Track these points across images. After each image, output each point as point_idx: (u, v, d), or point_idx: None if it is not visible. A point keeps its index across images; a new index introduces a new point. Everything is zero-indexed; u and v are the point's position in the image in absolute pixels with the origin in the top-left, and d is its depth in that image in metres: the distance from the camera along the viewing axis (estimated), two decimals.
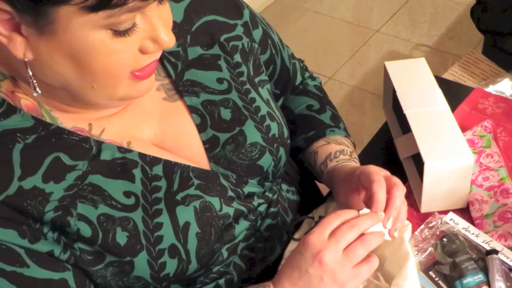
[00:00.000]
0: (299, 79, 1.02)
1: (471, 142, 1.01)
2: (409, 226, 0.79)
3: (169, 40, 0.65)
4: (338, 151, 0.91)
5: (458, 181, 0.90)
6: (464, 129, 0.99)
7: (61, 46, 0.60)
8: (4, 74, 0.68)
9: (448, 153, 0.89)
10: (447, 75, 1.75)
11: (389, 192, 0.76)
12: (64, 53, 0.61)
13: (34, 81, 0.65)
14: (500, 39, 1.85)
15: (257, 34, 0.88)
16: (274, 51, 0.92)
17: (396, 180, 0.77)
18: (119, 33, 0.61)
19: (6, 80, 0.68)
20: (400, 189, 0.76)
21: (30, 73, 0.64)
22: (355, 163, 0.90)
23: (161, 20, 0.64)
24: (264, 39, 0.89)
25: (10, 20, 0.59)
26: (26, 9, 0.57)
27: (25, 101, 0.68)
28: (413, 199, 0.95)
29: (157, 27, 0.64)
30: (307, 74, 1.04)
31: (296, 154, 0.97)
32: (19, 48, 0.61)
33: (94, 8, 0.57)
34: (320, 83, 1.06)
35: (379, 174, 0.76)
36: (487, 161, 0.98)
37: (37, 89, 0.65)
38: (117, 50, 0.62)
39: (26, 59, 0.62)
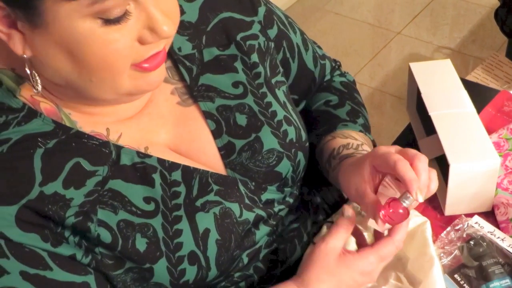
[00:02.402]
0: (327, 78, 0.99)
1: (496, 145, 1.00)
2: (427, 223, 0.78)
3: (168, 30, 0.63)
4: (342, 145, 0.86)
5: (483, 184, 0.89)
6: (489, 131, 0.98)
7: (54, 39, 0.60)
8: (22, 77, 0.68)
9: (473, 155, 0.88)
10: (470, 78, 1.73)
11: (411, 166, 0.70)
12: (57, 46, 0.60)
13: (37, 77, 0.65)
14: None
15: (272, 34, 0.85)
16: (289, 55, 0.89)
17: (413, 152, 0.72)
18: (110, 21, 0.59)
19: (25, 84, 0.68)
20: (422, 160, 0.70)
21: (28, 71, 0.64)
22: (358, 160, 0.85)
23: (158, 8, 0.62)
24: (278, 41, 0.86)
25: (7, 17, 0.59)
26: (15, 3, 0.57)
27: (45, 105, 0.68)
28: (437, 202, 0.94)
29: (153, 16, 0.62)
30: (337, 73, 1.00)
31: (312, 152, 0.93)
32: (18, 44, 0.61)
33: None
34: (352, 81, 1.01)
35: (395, 154, 0.71)
36: None
37: (39, 86, 0.65)
38: (110, 40, 0.60)
39: (25, 56, 0.62)
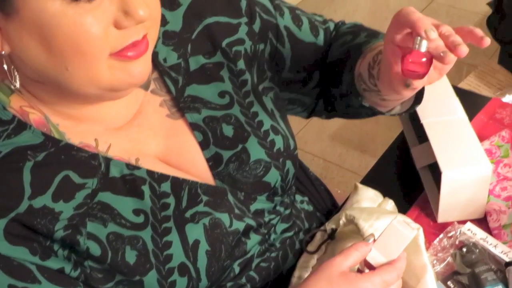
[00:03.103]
0: (334, 33, 0.92)
1: (488, 152, 1.00)
2: (420, 230, 0.78)
3: (143, 14, 0.61)
4: (375, 55, 0.77)
5: (475, 191, 0.89)
6: (481, 138, 0.99)
7: (26, 26, 0.59)
8: (11, 88, 0.68)
9: (466, 162, 0.89)
10: (463, 85, 1.74)
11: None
12: (31, 33, 0.60)
13: (16, 73, 0.64)
14: None
15: (256, 28, 0.83)
16: (276, 42, 0.85)
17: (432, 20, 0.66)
18: None
19: (14, 95, 0.68)
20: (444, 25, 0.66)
21: (6, 66, 0.63)
22: None
23: None
24: (263, 33, 0.84)
25: None
26: None
27: (33, 116, 0.68)
28: (430, 209, 0.94)
29: None
30: (339, 24, 0.94)
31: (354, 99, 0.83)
32: None
33: None
34: (358, 24, 0.95)
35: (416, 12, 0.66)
36: (505, 171, 0.98)
37: (17, 82, 0.64)
38: (82, 22, 0.59)
39: (3, 52, 0.62)
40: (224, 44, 0.80)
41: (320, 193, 1.01)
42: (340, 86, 0.86)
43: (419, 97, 0.80)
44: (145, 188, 0.71)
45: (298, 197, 0.92)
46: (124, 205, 0.70)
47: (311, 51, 0.89)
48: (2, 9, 0.58)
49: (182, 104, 0.77)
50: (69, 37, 0.60)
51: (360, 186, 0.92)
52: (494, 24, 1.93)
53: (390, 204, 0.90)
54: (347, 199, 0.93)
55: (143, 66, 0.66)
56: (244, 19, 0.82)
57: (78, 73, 0.63)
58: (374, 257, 0.69)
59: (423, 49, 0.64)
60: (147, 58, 0.67)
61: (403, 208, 0.93)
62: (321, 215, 0.95)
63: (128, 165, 0.71)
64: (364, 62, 0.79)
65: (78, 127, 0.71)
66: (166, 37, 0.77)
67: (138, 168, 0.72)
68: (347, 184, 2.10)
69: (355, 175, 2.12)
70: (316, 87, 0.91)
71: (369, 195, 0.90)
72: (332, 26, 0.93)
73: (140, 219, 0.70)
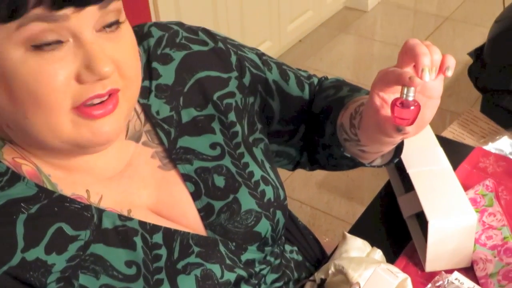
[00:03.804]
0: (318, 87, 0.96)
1: (473, 201, 1.02)
2: (408, 280, 0.79)
3: (104, 70, 0.61)
4: (357, 106, 0.80)
5: (462, 239, 0.91)
6: (466, 187, 1.00)
7: None
8: (2, 139, 0.68)
9: (451, 211, 0.90)
10: (446, 133, 1.77)
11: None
12: None
13: None
14: (497, 97, 1.89)
15: (246, 82, 0.86)
16: (266, 95, 0.88)
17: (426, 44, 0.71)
18: (41, 48, 0.58)
19: (6, 146, 0.69)
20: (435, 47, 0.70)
21: None
22: None
23: (99, 47, 0.61)
24: (253, 87, 0.86)
25: None
26: None
27: (26, 167, 0.69)
28: (417, 258, 0.95)
29: (90, 53, 0.60)
30: (322, 79, 0.98)
31: (336, 151, 0.86)
32: None
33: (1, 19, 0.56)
34: (342, 80, 0.98)
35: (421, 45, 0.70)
36: (490, 219, 0.99)
37: None
38: (42, 71, 0.59)
39: None
40: (215, 97, 0.82)
41: (309, 242, 1.01)
42: (323, 136, 0.89)
43: (398, 151, 0.83)
44: (137, 240, 0.72)
45: (288, 247, 0.92)
46: (117, 256, 0.70)
47: (298, 104, 0.92)
48: None
49: (174, 156, 0.78)
50: (27, 85, 0.60)
51: (348, 235, 0.93)
52: (475, 73, 1.98)
53: (378, 253, 0.90)
54: (335, 248, 0.94)
55: (110, 125, 0.65)
56: (234, 74, 0.84)
57: (37, 122, 0.62)
58: None
59: (411, 97, 0.68)
60: (115, 117, 0.66)
61: (391, 258, 0.94)
62: (310, 265, 0.95)
63: (121, 216, 0.72)
64: (346, 113, 0.83)
65: (69, 178, 0.71)
66: (159, 90, 0.79)
67: (130, 219, 0.72)
68: (335, 231, 2.10)
69: (343, 222, 2.13)
70: (302, 139, 0.94)
71: (358, 245, 0.91)
72: (316, 81, 0.96)
73: (132, 270, 0.70)
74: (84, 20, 0.60)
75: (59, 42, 0.60)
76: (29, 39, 0.58)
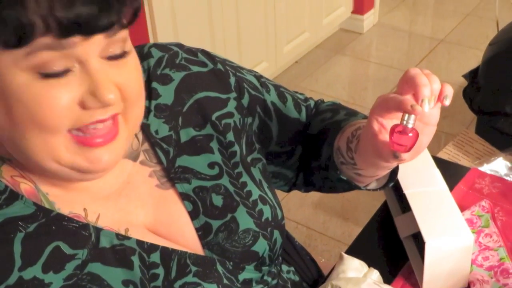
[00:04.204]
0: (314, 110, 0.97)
1: (469, 222, 1.02)
2: None
3: (112, 98, 0.61)
4: (354, 130, 0.82)
5: (459, 260, 0.91)
6: (462, 208, 1.01)
7: None
8: (1, 158, 0.68)
9: (448, 232, 0.90)
10: (442, 154, 1.78)
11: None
12: None
13: None
14: (492, 119, 1.90)
15: (245, 102, 0.86)
16: (265, 116, 0.89)
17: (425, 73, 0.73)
18: (48, 76, 0.59)
19: (5, 165, 0.69)
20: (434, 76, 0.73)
21: None
22: None
23: (105, 75, 0.62)
24: (251, 108, 0.87)
25: None
26: None
27: (24, 186, 0.69)
28: (414, 279, 0.95)
29: (96, 80, 0.61)
30: (319, 102, 0.99)
31: (332, 172, 0.88)
32: None
33: (5, 45, 0.56)
34: (338, 103, 1.00)
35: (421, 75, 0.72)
36: (486, 240, 0.99)
37: None
38: (46, 95, 0.59)
39: None
40: (214, 117, 0.82)
41: (306, 262, 1.01)
42: (319, 159, 0.90)
43: (393, 175, 0.84)
44: (135, 259, 0.71)
45: (285, 267, 0.92)
46: (114, 276, 0.70)
47: (295, 126, 0.93)
48: None
49: (172, 175, 0.79)
50: (29, 107, 0.60)
51: (345, 256, 0.93)
52: (470, 95, 1.99)
53: (375, 274, 0.90)
54: (332, 269, 0.93)
55: (110, 154, 0.66)
56: (233, 95, 0.85)
57: (35, 144, 0.62)
58: None
59: (411, 124, 0.69)
60: (115, 146, 0.66)
61: (388, 278, 0.94)
62: (307, 285, 0.95)
63: (118, 235, 0.72)
64: (343, 136, 0.84)
65: (67, 196, 0.71)
66: (158, 110, 0.80)
67: (128, 238, 0.72)
68: (331, 252, 2.10)
69: (339, 243, 2.12)
70: (298, 160, 0.95)
71: (355, 265, 0.91)
72: (312, 103, 0.97)
73: None
74: (91, 47, 0.61)
75: (67, 71, 0.60)
76: (37, 66, 0.59)
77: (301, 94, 0.98)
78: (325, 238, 2.16)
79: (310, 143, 0.93)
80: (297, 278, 0.94)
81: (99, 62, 0.62)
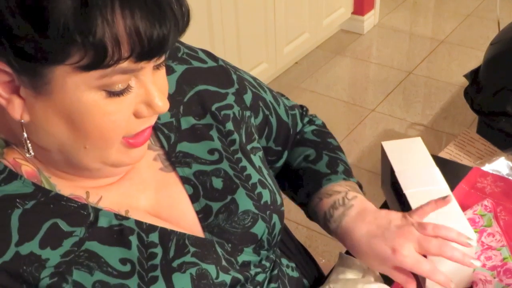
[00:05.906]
0: (299, 126, 1.02)
1: (472, 221, 1.01)
2: None
3: (163, 106, 0.66)
4: (330, 207, 0.89)
5: None
6: (464, 208, 1.00)
7: (56, 107, 0.61)
8: (6, 141, 0.69)
9: None
10: (443, 154, 1.77)
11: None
12: (58, 113, 0.62)
13: (29, 143, 0.65)
14: (493, 119, 1.89)
15: (247, 98, 0.89)
16: (267, 112, 0.93)
17: (429, 226, 0.83)
18: (113, 93, 0.62)
19: (9, 147, 0.69)
20: (442, 230, 0.83)
21: (25, 135, 0.65)
22: (352, 216, 0.88)
23: (155, 85, 0.66)
24: (254, 103, 0.91)
25: (11, 83, 0.60)
26: (24, 69, 0.58)
27: (26, 168, 0.69)
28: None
29: (151, 92, 0.65)
30: (306, 120, 1.04)
31: (307, 211, 0.96)
32: (17, 109, 0.62)
33: (88, 68, 0.57)
34: (321, 124, 1.05)
35: (417, 260, 0.83)
36: (489, 240, 0.98)
37: (30, 151, 0.66)
38: (111, 111, 0.63)
39: (22, 121, 0.63)
40: (213, 108, 0.84)
41: (306, 260, 1.01)
42: (297, 193, 0.97)
43: None
44: (133, 238, 0.72)
45: (285, 261, 0.92)
46: (111, 254, 0.70)
47: (286, 129, 0.97)
48: (35, 88, 0.60)
49: (173, 159, 0.80)
50: (96, 123, 0.63)
51: (345, 256, 0.92)
52: (471, 95, 1.98)
53: (374, 274, 0.89)
54: (332, 269, 0.92)
55: (142, 151, 0.71)
56: (232, 89, 0.87)
57: (93, 152, 0.66)
58: None
59: None
60: (147, 143, 0.72)
61: (388, 279, 0.93)
62: (307, 283, 0.95)
63: (117, 216, 0.72)
64: (320, 206, 0.91)
65: (70, 181, 0.72)
66: None
67: (127, 218, 0.73)
68: (331, 253, 2.09)
69: (339, 243, 2.11)
70: (281, 167, 1.00)
71: (354, 265, 0.90)
72: (297, 115, 1.02)
73: (127, 268, 0.70)
74: (151, 65, 0.64)
75: (128, 88, 0.63)
76: (105, 85, 0.61)
77: (287, 99, 1.02)
78: (326, 239, 2.15)
79: (288, 173, 0.98)
80: (297, 275, 0.93)
81: (151, 74, 0.65)
